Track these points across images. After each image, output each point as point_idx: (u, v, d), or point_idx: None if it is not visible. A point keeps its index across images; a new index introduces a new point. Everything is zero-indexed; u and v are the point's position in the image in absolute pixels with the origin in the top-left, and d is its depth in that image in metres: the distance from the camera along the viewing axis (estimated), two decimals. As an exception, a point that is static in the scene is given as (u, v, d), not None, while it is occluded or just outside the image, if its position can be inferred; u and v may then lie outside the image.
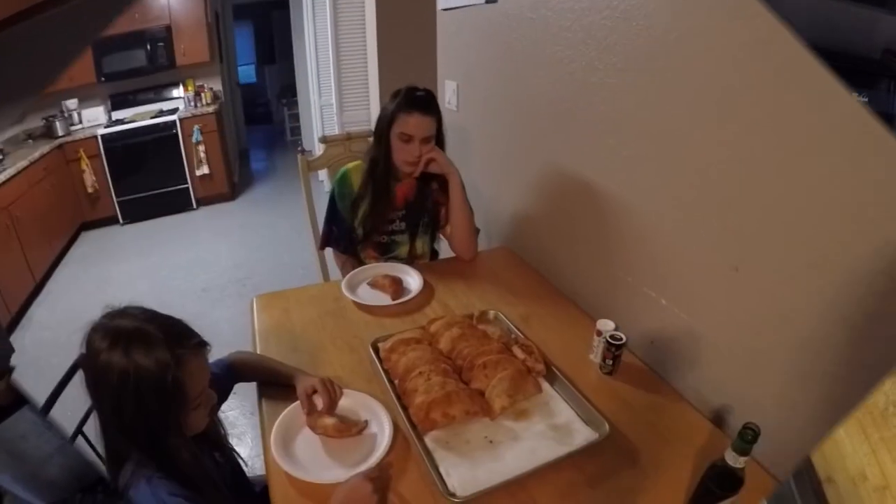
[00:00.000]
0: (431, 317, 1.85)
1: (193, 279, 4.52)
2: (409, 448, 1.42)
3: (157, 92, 5.84)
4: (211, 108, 5.83)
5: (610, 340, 1.63)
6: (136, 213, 5.72)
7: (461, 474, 1.31)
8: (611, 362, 1.66)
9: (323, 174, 5.60)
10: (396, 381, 1.57)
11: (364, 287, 2.09)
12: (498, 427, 1.46)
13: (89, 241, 5.29)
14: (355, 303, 1.99)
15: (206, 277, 4.55)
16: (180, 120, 5.61)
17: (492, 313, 1.86)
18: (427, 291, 2.07)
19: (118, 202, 5.58)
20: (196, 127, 5.66)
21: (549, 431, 1.46)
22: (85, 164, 5.23)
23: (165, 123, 5.58)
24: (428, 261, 2.40)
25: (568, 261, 2.28)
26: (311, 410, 1.48)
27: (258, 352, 1.79)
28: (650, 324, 1.88)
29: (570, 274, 2.26)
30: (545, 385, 1.60)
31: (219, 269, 4.69)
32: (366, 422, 1.46)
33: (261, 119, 8.79)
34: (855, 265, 1.18)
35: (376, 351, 1.70)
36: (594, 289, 2.15)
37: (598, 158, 1.99)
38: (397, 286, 2.02)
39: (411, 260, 2.33)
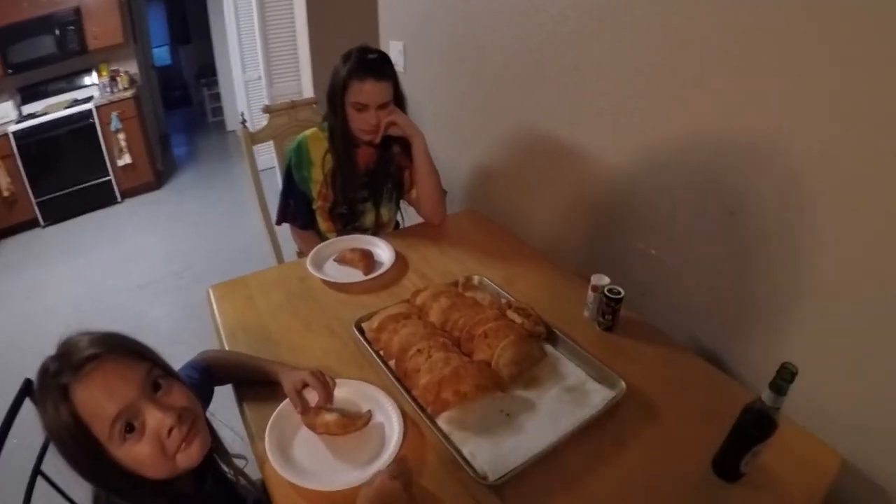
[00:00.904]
0: (410, 289, 1.67)
1: (127, 277, 4.12)
2: (421, 435, 1.25)
3: (69, 80, 5.21)
4: (128, 93, 5.30)
5: (608, 295, 1.50)
6: (58, 212, 5.15)
7: (487, 455, 1.16)
8: (610, 318, 1.53)
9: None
10: (393, 363, 1.39)
11: (331, 264, 1.87)
12: (511, 399, 1.31)
13: (10, 249, 4.74)
14: (325, 281, 1.78)
15: (140, 273, 4.16)
16: (97, 108, 5.05)
17: (476, 279, 1.70)
18: (400, 262, 1.87)
19: (37, 203, 4.98)
20: (114, 114, 5.13)
21: (565, 395, 1.32)
22: (-2, 166, 4.66)
23: (81, 113, 5.00)
24: (393, 230, 2.20)
25: (544, 219, 2.14)
26: (305, 408, 1.26)
27: (226, 348, 1.55)
28: (640, 276, 1.77)
29: (547, 232, 2.13)
30: (548, 348, 1.46)
31: (152, 264, 4.30)
32: (369, 412, 1.26)
33: (179, 102, 8.14)
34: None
35: (362, 332, 1.50)
36: (576, 245, 2.02)
37: (572, 112, 1.85)
38: (368, 259, 1.82)
39: (377, 229, 2.14)
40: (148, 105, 6.17)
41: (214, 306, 1.73)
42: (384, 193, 2.09)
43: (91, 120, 5.09)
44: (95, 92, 5.37)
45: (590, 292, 1.56)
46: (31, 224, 5.11)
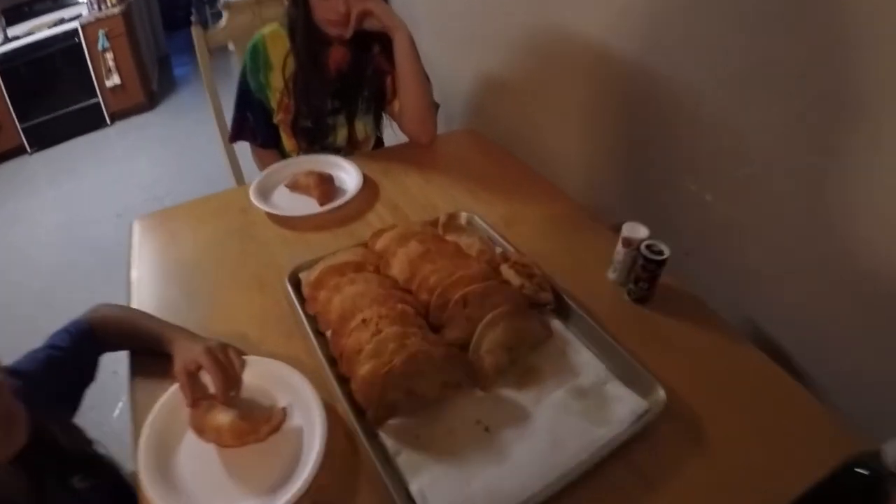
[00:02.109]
0: (377, 227, 1.18)
1: (108, 205, 3.70)
2: (355, 451, 0.80)
3: None
4: (116, 10, 4.73)
5: (647, 254, 1.00)
6: (46, 138, 4.71)
7: (446, 496, 0.70)
8: (645, 285, 1.03)
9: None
10: (329, 334, 0.91)
11: (281, 191, 1.39)
12: (495, 402, 0.84)
13: None
14: (269, 214, 1.29)
15: (122, 201, 3.73)
16: (82, 27, 4.53)
17: (464, 216, 1.19)
18: (369, 191, 1.37)
19: (23, 129, 4.53)
20: (101, 32, 4.59)
21: (574, 401, 0.85)
22: (-20, 93, 4.18)
23: (66, 33, 4.50)
24: (371, 150, 1.70)
25: (561, 145, 1.61)
26: (196, 400, 0.82)
27: (131, 302, 1.10)
28: (686, 228, 1.27)
29: (565, 161, 1.60)
30: (556, 324, 0.97)
31: (136, 189, 3.87)
32: (284, 410, 0.81)
33: (182, 23, 7.50)
34: None
35: (297, 286, 1.02)
36: (602, 180, 1.50)
37: (607, 11, 1.31)
38: (326, 185, 1.32)
39: (352, 149, 1.65)
40: (142, 23, 5.60)
41: (134, 246, 1.27)
42: (360, 104, 1.58)
43: (77, 39, 4.59)
44: (83, 10, 4.82)
45: (619, 247, 1.07)
46: (18, 151, 4.68)
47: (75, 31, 4.55)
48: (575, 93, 1.52)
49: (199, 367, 0.83)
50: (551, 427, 0.81)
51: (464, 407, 0.82)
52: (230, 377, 0.83)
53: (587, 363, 0.91)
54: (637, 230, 1.05)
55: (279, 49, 1.48)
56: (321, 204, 1.29)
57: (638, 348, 0.91)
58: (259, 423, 0.78)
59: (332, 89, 1.53)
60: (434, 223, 1.13)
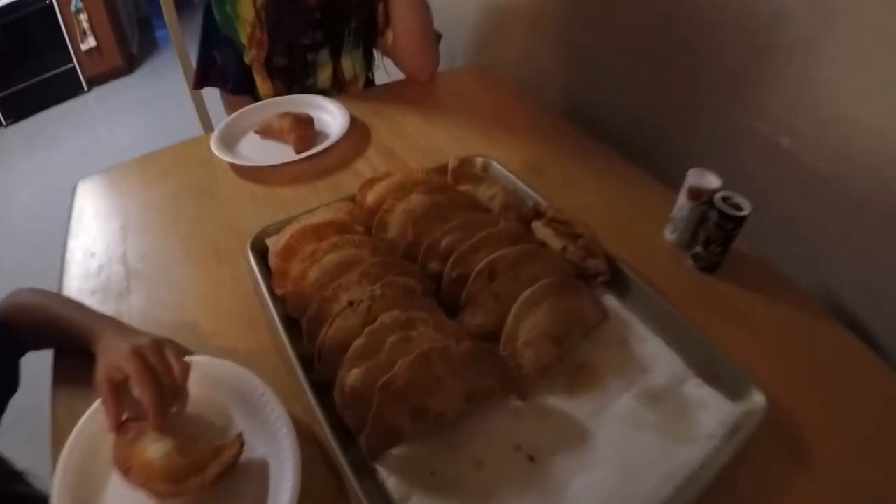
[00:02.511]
0: (367, 177, 0.89)
1: (82, 175, 3.40)
2: (342, 493, 0.54)
3: None
4: (89, -32, 4.36)
5: (724, 208, 0.74)
6: (20, 109, 4.39)
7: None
8: (718, 249, 0.78)
9: None
10: (303, 322, 0.64)
11: (250, 139, 1.11)
12: (539, 416, 0.58)
13: None
14: (233, 166, 1.02)
15: (98, 170, 3.45)
16: None
17: (479, 161, 0.91)
18: (357, 135, 1.09)
19: None
20: (74, -8, 4.24)
21: (646, 411, 0.60)
22: (-51, 65, 3.85)
23: (36, -5, 4.14)
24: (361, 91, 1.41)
25: (587, 78, 1.31)
26: (115, 422, 0.57)
27: (63, 279, 0.85)
28: (753, 179, 0.99)
29: (598, 99, 1.31)
30: (610, 302, 0.71)
31: (116, 156, 3.56)
32: (240, 438, 0.55)
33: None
34: None
35: (263, 256, 0.75)
36: (648, 124, 1.21)
37: None
38: (304, 128, 1.04)
39: (337, 91, 1.37)
40: (120, -17, 5.18)
41: (75, 211, 1.01)
42: (346, 37, 1.28)
43: (48, 1, 4.24)
44: (55, -31, 4.42)
45: (683, 200, 0.80)
46: (-8, 125, 4.33)
47: (46, -9, 4.20)
48: (611, 17, 1.22)
49: (127, 376, 0.57)
50: (619, 450, 0.56)
51: (496, 426, 0.56)
52: (166, 390, 0.57)
53: (657, 355, 0.65)
54: (707, 179, 0.79)
55: None
56: (297, 150, 1.01)
57: (710, 331, 0.66)
58: (204, 458, 0.53)
59: (313, 19, 1.24)
60: (441, 170, 0.85)
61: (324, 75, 1.32)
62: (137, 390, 0.56)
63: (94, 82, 4.62)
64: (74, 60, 4.47)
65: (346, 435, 0.55)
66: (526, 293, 0.60)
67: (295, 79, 1.31)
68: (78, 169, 3.63)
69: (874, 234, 0.85)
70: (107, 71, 4.65)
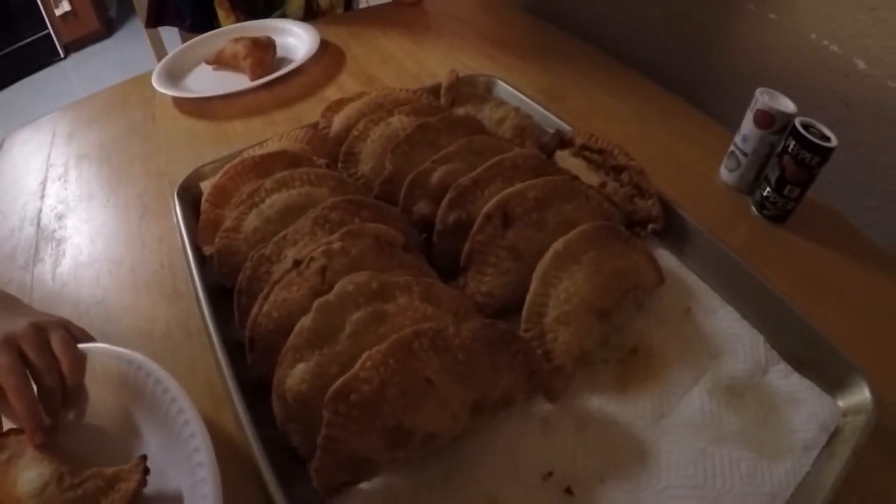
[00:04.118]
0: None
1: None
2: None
3: None
4: (59, -74, 4.05)
5: (807, 135, 0.53)
6: (-5, 81, 4.13)
7: None
8: (795, 193, 0.57)
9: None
10: (236, 293, 0.44)
11: (201, 70, 0.90)
12: (577, 426, 0.39)
13: None
14: (177, 100, 0.80)
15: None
16: None
17: (482, 80, 0.70)
18: (329, 59, 0.87)
19: None
20: (44, -47, 3.94)
21: (725, 412, 0.41)
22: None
23: (4, -43, 3.84)
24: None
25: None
26: None
27: None
28: (822, 110, 0.78)
29: (620, 15, 1.08)
30: (665, 259, 0.50)
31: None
32: (142, 462, 0.35)
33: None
34: None
35: (194, 205, 0.55)
36: (685, 38, 0.98)
37: None
38: (262, 52, 0.82)
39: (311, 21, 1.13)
40: (95, -57, 4.86)
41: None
42: (319, -46, 1.05)
43: None
44: (23, -73, 4.12)
45: (749, 127, 0.60)
46: (-34, 99, 4.05)
47: (15, -46, 3.91)
48: None
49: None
50: (694, 471, 0.37)
51: (517, 444, 0.36)
52: (50, 394, 0.38)
53: (731, 332, 0.46)
54: (781, 101, 0.59)
55: None
56: (253, 78, 0.79)
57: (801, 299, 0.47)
58: (94, 493, 0.35)
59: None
60: (433, 91, 0.63)
61: (295, 5, 1.08)
62: (7, 393, 0.37)
63: (70, 48, 4.34)
64: (49, 26, 4.19)
65: (291, 461, 0.35)
66: (557, 244, 0.40)
67: (259, 9, 1.08)
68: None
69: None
70: (84, 36, 4.36)
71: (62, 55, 4.30)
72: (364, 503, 0.34)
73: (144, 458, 0.36)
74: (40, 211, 0.68)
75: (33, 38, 4.14)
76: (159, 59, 1.34)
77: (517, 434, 0.37)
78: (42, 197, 0.71)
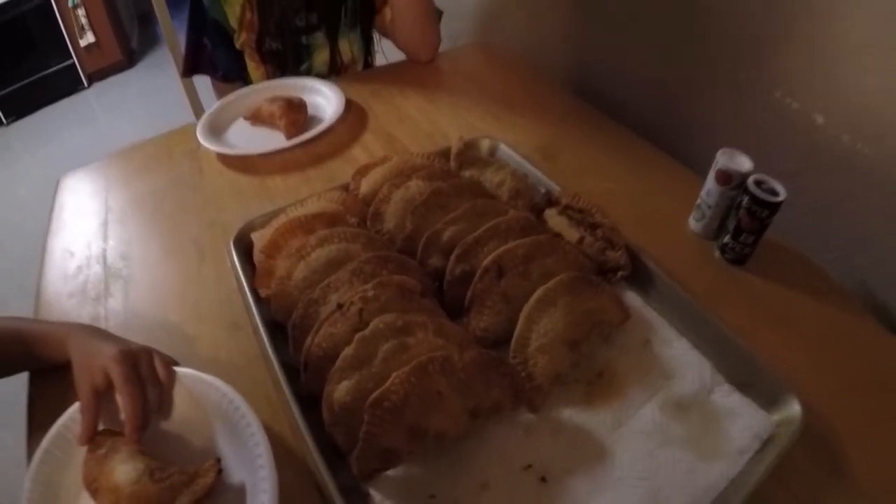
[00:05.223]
0: (364, 163, 0.83)
1: (83, 171, 3.38)
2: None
3: None
4: (86, -37, 4.32)
5: (759, 193, 0.67)
6: (21, 107, 4.35)
7: None
8: (750, 239, 0.71)
9: None
10: (289, 327, 0.58)
11: (240, 126, 1.05)
12: (553, 431, 0.52)
13: None
14: (220, 156, 0.96)
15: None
16: None
17: (486, 143, 0.84)
18: (353, 118, 1.02)
19: None
20: (71, -13, 4.20)
21: (672, 423, 0.54)
22: (-52, 64, 3.82)
23: (33, -9, 4.10)
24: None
25: (606, 55, 1.23)
26: (88, 434, 0.51)
27: (40, 280, 0.80)
28: (783, 161, 0.92)
29: (611, 78, 1.23)
30: (631, 300, 0.64)
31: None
32: (217, 464, 0.49)
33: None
34: None
35: (248, 253, 0.69)
36: (665, 98, 1.13)
37: None
38: (296, 113, 0.98)
39: (336, 75, 1.29)
40: (119, -23, 5.13)
41: (55, 209, 0.95)
42: (343, 18, 1.21)
43: None
44: (50, -34, 4.38)
45: (711, 184, 0.73)
46: (-7, 123, 4.31)
47: (43, -12, 4.16)
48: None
49: (110, 382, 0.51)
50: (643, 468, 0.50)
51: (504, 444, 0.50)
52: (150, 402, 0.51)
53: (684, 359, 0.59)
54: (738, 160, 0.72)
55: None
56: (289, 136, 0.94)
57: (739, 331, 0.59)
58: (177, 486, 0.47)
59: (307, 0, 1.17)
60: (444, 154, 0.78)
61: (320, 59, 1.25)
62: (120, 398, 0.50)
63: (94, 78, 4.58)
64: (74, 56, 4.43)
65: (335, 455, 0.48)
66: (539, 292, 0.54)
67: (288, 63, 1.24)
68: (79, 165, 3.63)
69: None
70: (106, 66, 4.60)
71: (86, 84, 4.56)
72: (389, 486, 0.48)
73: (219, 460, 0.50)
74: (105, 251, 0.83)
75: (58, 67, 4.40)
76: (191, 102, 1.52)
77: (505, 436, 0.51)
78: (105, 238, 0.86)
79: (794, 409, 0.53)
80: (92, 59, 4.52)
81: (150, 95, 4.24)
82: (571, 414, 0.53)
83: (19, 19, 4.10)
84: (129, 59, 4.76)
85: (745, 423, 0.54)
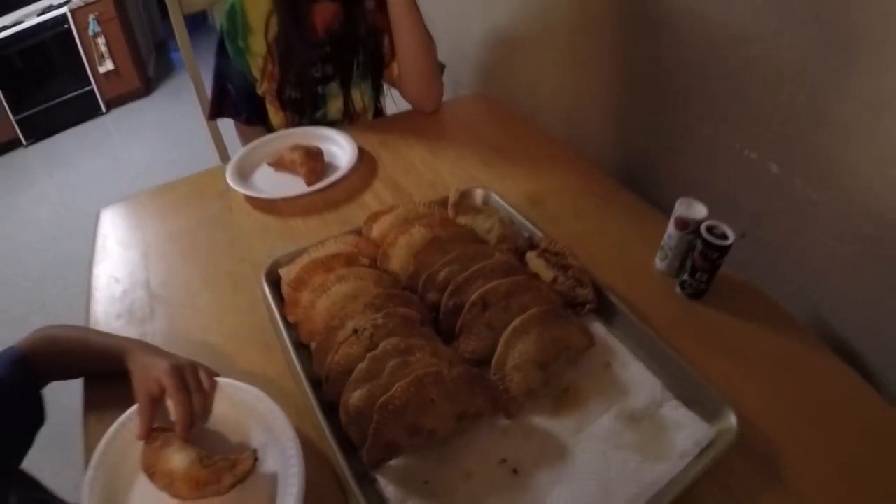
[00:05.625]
0: (374, 209, 0.99)
1: (104, 195, 3.52)
2: (345, 500, 0.63)
3: None
4: (107, -7, 4.55)
5: (708, 238, 0.81)
6: (40, 129, 4.56)
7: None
8: (704, 277, 0.84)
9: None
10: (313, 347, 0.73)
11: (264, 170, 1.21)
12: (524, 434, 0.66)
13: None
14: (248, 198, 1.11)
15: (119, 190, 3.55)
16: (72, 12, 4.36)
17: (479, 193, 1.00)
18: (365, 167, 1.18)
19: (17, 121, 4.38)
20: (91, 16, 4.41)
21: (624, 431, 0.67)
22: (-29, 86, 4.01)
23: (55, 19, 4.33)
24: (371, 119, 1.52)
25: (587, 107, 1.41)
26: (149, 432, 0.65)
27: (90, 304, 0.94)
28: (743, 205, 1.07)
29: (590, 127, 1.40)
30: (597, 329, 0.78)
31: (133, 178, 3.71)
32: (254, 454, 0.63)
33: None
34: None
35: (276, 285, 0.84)
36: (638, 146, 1.29)
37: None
38: (314, 161, 1.14)
39: (348, 121, 1.46)
40: (136, 7, 5.42)
41: (98, 239, 1.09)
42: (355, 70, 1.38)
43: (66, 25, 4.41)
44: (72, -6, 4.61)
45: (671, 230, 0.87)
46: (14, 144, 4.52)
47: (64, 16, 4.40)
48: (602, 42, 1.31)
49: (164, 390, 0.66)
50: (597, 466, 0.63)
51: (485, 442, 0.64)
52: (189, 411, 0.66)
53: (638, 379, 0.72)
54: (694, 209, 0.86)
55: (259, 8, 1.28)
56: (308, 183, 1.10)
57: (695, 357, 0.73)
58: (221, 470, 0.61)
59: (322, 53, 1.33)
60: (443, 203, 0.94)
61: (334, 107, 1.41)
62: (172, 404, 0.65)
63: (112, 104, 4.81)
64: (93, 83, 4.67)
65: (349, 448, 0.63)
66: (515, 322, 0.68)
67: (306, 110, 1.40)
68: (96, 188, 3.78)
69: (862, 260, 0.91)
70: (124, 93, 4.83)
71: (104, 110, 4.80)
72: (393, 472, 0.62)
73: (256, 451, 0.64)
74: (148, 279, 0.97)
75: (78, 92, 4.67)
76: (215, 141, 1.69)
77: (485, 436, 0.65)
78: (146, 267, 1.00)
79: (731, 421, 0.66)
80: (110, 86, 4.76)
81: (166, 123, 4.45)
82: (540, 421, 0.67)
83: (42, 45, 4.36)
84: (146, 87, 5.00)
85: (688, 433, 0.67)
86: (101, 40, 4.54)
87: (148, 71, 5.22)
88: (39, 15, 4.34)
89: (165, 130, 4.37)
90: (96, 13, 4.47)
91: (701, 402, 0.69)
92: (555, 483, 0.62)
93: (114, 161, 4.06)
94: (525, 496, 0.60)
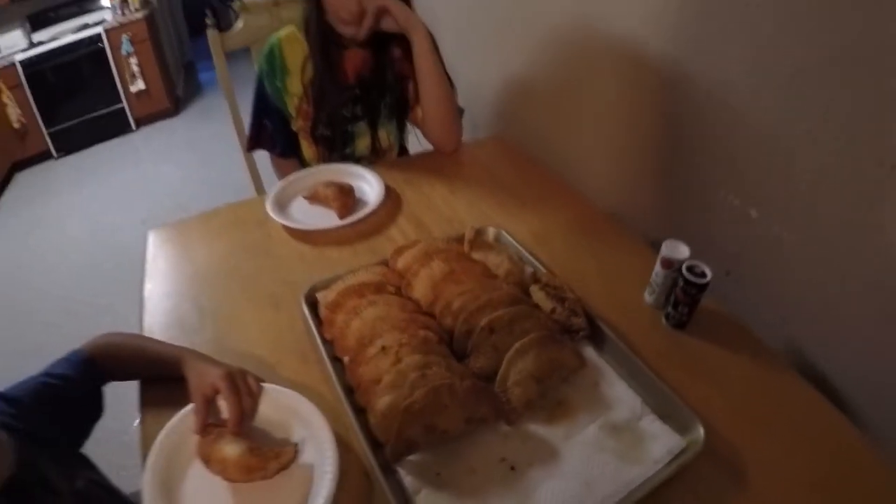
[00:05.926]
0: (399, 242, 1.15)
1: (132, 211, 3.70)
2: (370, 490, 0.77)
3: (80, 4, 4.71)
4: (140, 14, 4.75)
5: (688, 276, 0.95)
6: (72, 143, 4.76)
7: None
8: (685, 309, 0.98)
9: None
10: (346, 361, 0.88)
11: (299, 202, 1.37)
12: (522, 438, 0.81)
13: (23, 182, 4.39)
14: (286, 227, 1.27)
15: (147, 206, 3.73)
16: (106, 31, 4.56)
17: (491, 232, 1.15)
18: (391, 203, 1.35)
19: (49, 134, 4.59)
20: (125, 37, 4.61)
21: (607, 439, 0.81)
22: (6, 97, 4.22)
23: (90, 38, 4.54)
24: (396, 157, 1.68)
25: (594, 152, 1.57)
26: (205, 427, 0.80)
27: (143, 316, 1.09)
28: (726, 245, 1.22)
29: (597, 170, 1.56)
30: (589, 353, 0.93)
31: (160, 196, 3.86)
32: (295, 447, 0.78)
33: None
34: None
35: (313, 306, 1.00)
36: (636, 190, 1.45)
37: (643, 5, 1.26)
38: (346, 197, 1.30)
39: (375, 157, 1.62)
40: (166, 29, 5.63)
41: (148, 257, 1.26)
42: (382, 111, 1.54)
43: (100, 44, 4.61)
44: (108, 15, 4.86)
45: (658, 268, 1.02)
46: (45, 156, 4.72)
47: (99, 35, 4.61)
48: (607, 95, 1.47)
49: (217, 392, 0.81)
50: (582, 466, 0.77)
51: (488, 443, 0.79)
52: (240, 409, 0.81)
53: (621, 396, 0.87)
54: (678, 249, 1.00)
55: (297, 52, 1.45)
56: (341, 217, 1.26)
57: (676, 379, 0.87)
58: (268, 458, 0.76)
59: (352, 95, 1.50)
60: (459, 240, 1.10)
61: (362, 144, 1.57)
62: (226, 405, 0.80)
63: (141, 122, 5.03)
64: (124, 101, 4.89)
65: (375, 445, 0.77)
66: (517, 345, 0.83)
67: (336, 146, 1.56)
68: (124, 203, 3.97)
69: (834, 295, 1.04)
70: (154, 112, 5.05)
71: (133, 128, 5.03)
72: (411, 466, 0.76)
73: (297, 444, 0.79)
74: (196, 295, 1.13)
75: (109, 109, 4.89)
76: (251, 171, 1.86)
77: (489, 438, 0.80)
78: (194, 285, 1.16)
79: (699, 433, 0.79)
80: (141, 105, 4.98)
81: (194, 143, 4.65)
82: (536, 428, 0.81)
83: (76, 62, 4.57)
84: (175, 107, 5.22)
85: (662, 442, 0.81)
86: (133, 60, 4.75)
87: (177, 91, 5.44)
88: (75, 32, 4.56)
89: (193, 150, 4.54)
90: (129, 33, 4.67)
91: (674, 417, 0.82)
92: (545, 479, 0.75)
93: (142, 177, 4.23)
94: (519, 489, 0.74)
